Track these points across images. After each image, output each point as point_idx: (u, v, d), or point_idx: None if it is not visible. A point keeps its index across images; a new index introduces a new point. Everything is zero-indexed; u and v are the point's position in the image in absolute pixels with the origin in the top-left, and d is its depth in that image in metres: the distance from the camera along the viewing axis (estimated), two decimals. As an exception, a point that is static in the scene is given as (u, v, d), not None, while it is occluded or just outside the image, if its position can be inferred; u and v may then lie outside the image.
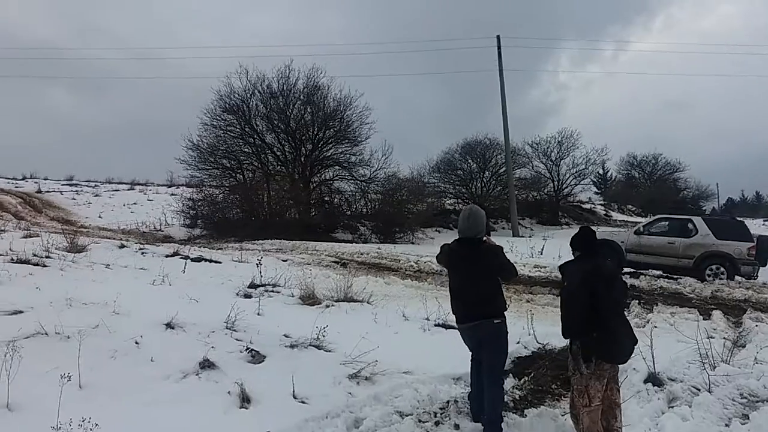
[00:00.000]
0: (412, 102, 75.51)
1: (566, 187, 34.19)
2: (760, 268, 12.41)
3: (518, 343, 6.44)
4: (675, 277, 12.75)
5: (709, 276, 12.52)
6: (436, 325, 7.24)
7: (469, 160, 32.10)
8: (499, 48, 25.78)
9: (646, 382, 5.12)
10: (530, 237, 22.15)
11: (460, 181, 32.27)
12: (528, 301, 9.96)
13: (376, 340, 5.64)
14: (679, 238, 13.23)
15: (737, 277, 12.28)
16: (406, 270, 13.52)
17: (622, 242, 13.69)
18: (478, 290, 4.13)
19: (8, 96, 78.81)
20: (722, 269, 12.53)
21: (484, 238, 4.23)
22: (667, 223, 14.21)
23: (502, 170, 30.23)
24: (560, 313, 3.97)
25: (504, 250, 4.30)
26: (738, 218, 15.39)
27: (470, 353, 4.50)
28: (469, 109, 78.38)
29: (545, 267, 14.03)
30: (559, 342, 6.38)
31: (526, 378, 5.63)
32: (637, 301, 9.78)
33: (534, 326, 6.67)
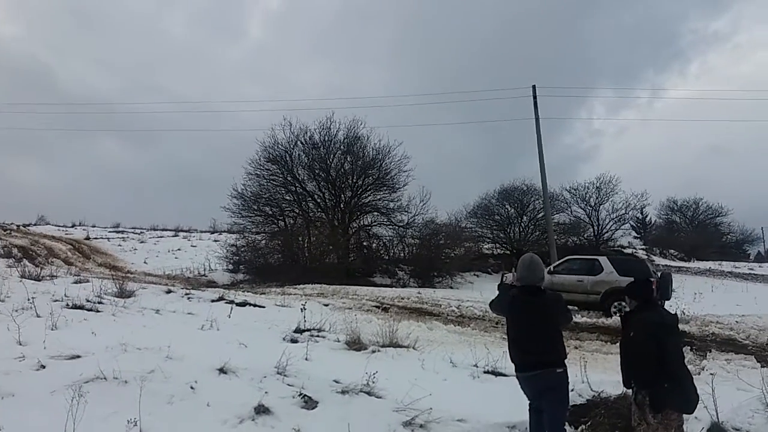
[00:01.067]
0: (450, 150, 76.22)
1: (606, 232, 33.63)
2: (665, 301, 12.23)
3: (572, 390, 6.24)
4: (726, 323, 12.33)
5: (613, 311, 13.28)
6: (485, 372, 7.10)
7: (507, 206, 32.00)
8: (534, 97, 25.92)
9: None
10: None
11: (498, 226, 32.10)
12: (576, 348, 9.73)
13: (427, 387, 5.57)
14: (587, 276, 14.27)
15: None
16: (448, 315, 13.38)
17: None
18: (540, 338, 4.08)
19: (62, 148, 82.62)
20: (624, 305, 12.30)
21: (542, 286, 4.22)
22: (576, 262, 15.31)
23: (540, 215, 29.99)
24: (621, 363, 3.93)
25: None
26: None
27: (527, 401, 4.41)
28: (505, 156, 78.57)
29: (591, 313, 13.72)
30: (614, 390, 6.18)
31: (583, 427, 5.45)
32: (689, 348, 9.44)
33: (587, 373, 6.49)
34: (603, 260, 14.64)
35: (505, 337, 10.38)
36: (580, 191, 33.48)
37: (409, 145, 50.01)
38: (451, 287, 22.77)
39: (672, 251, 44.66)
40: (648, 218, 51.01)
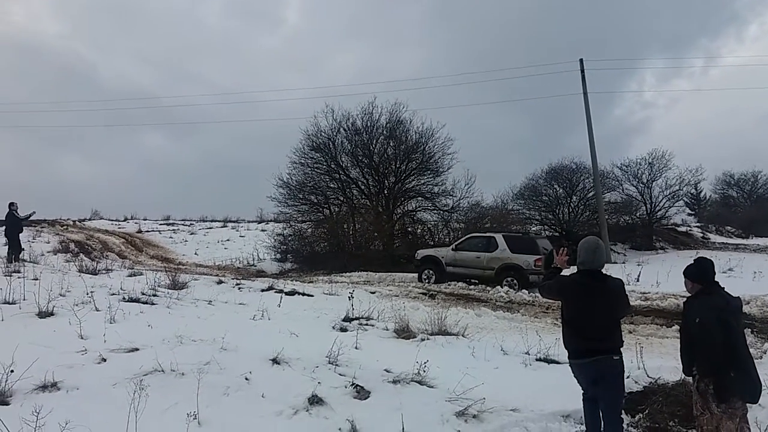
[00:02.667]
0: (493, 130, 74.93)
1: (659, 210, 32.47)
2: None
3: (628, 377, 6.09)
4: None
5: (505, 284, 14.63)
6: (537, 360, 7.00)
7: (555, 186, 31.22)
8: (582, 71, 25.16)
9: (775, 419, 4.70)
10: (624, 263, 21.07)
11: (546, 207, 31.38)
12: (630, 332, 9.44)
13: (478, 376, 5.53)
14: (484, 253, 15.62)
15: None
16: (496, 301, 13.22)
17: (443, 257, 16.20)
18: (600, 324, 3.97)
19: (111, 144, 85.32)
20: (515, 279, 14.71)
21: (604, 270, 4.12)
22: (476, 240, 16.45)
23: (591, 194, 29.19)
24: (681, 350, 3.78)
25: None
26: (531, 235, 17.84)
27: (581, 390, 4.30)
28: (551, 134, 76.71)
29: (646, 294, 13.33)
30: (672, 376, 6.02)
31: (641, 415, 5.33)
32: (750, 330, 9.05)
33: (643, 359, 6.30)
34: (498, 238, 15.69)
35: (557, 322, 10.24)
36: (632, 168, 32.25)
37: (452, 127, 49.58)
38: (499, 272, 22.48)
39: (729, 228, 42.97)
40: (703, 194, 49.23)
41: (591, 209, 29.59)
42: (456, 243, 16.91)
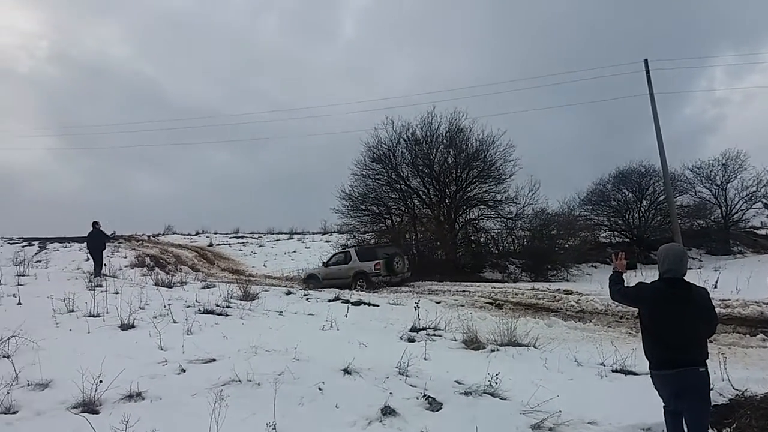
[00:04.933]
0: (556, 135, 73.25)
1: (735, 213, 30.80)
2: (406, 274, 19.31)
3: (712, 389, 5.80)
4: None
5: (357, 286, 18.00)
6: (614, 371, 6.74)
7: (624, 190, 30.21)
8: (647, 72, 24.27)
9: None
10: (700, 269, 20.04)
11: (615, 213, 30.39)
12: (711, 342, 8.96)
13: (552, 388, 5.39)
14: (344, 265, 19.17)
15: None
16: (566, 310, 12.85)
17: (319, 273, 19.87)
18: (687, 335, 3.81)
19: (181, 160, 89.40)
20: (363, 281, 18.27)
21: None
22: (339, 255, 20.32)
23: (662, 198, 28.06)
24: None
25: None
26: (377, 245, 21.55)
27: (662, 402, 4.12)
28: (618, 137, 73.98)
29: (726, 301, 12.63)
30: (760, 388, 5.72)
31: (728, 429, 5.06)
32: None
33: (727, 370, 5.99)
34: (352, 251, 19.61)
35: (632, 332, 9.91)
36: (704, 169, 30.80)
37: (513, 133, 48.91)
38: (567, 280, 21.84)
39: (816, 229, 40.13)
40: (781, 194, 46.24)
41: (662, 213, 28.49)
42: (325, 261, 20.80)
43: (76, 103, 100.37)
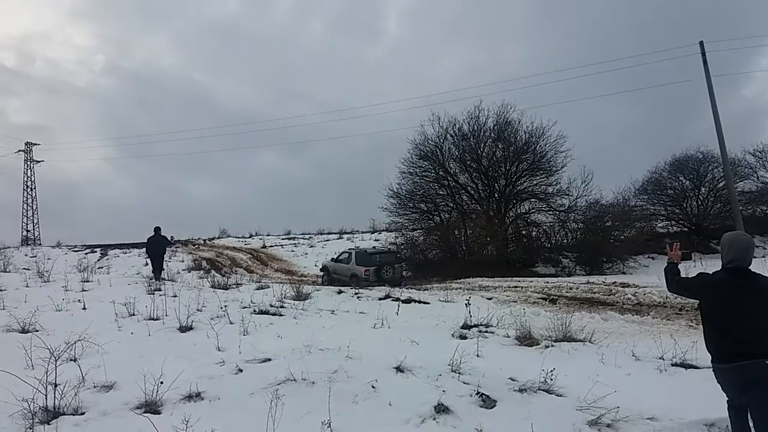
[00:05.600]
0: (608, 124, 71.25)
1: (802, 198, 29.23)
2: (398, 280, 19.54)
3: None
4: None
5: (351, 287, 17.49)
6: (673, 365, 6.52)
7: (681, 178, 29.08)
8: (703, 54, 23.28)
9: None
10: (764, 257, 19.17)
11: (672, 202, 29.29)
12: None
13: (609, 383, 5.25)
14: (346, 264, 20.47)
15: None
16: (623, 304, 12.52)
17: (330, 267, 21.53)
18: (752, 326, 3.64)
19: (233, 165, 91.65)
20: (355, 282, 18.72)
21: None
22: (344, 254, 21.47)
23: (721, 185, 26.89)
24: None
25: None
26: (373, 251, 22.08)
27: (726, 397, 3.96)
28: (672, 123, 71.20)
29: None
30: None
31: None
32: None
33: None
34: (352, 254, 20.67)
35: (692, 324, 9.56)
36: (767, 153, 29.46)
37: (564, 124, 47.82)
38: (624, 273, 21.19)
39: None
40: None
41: (723, 201, 27.31)
42: (334, 258, 22.36)
43: (132, 113, 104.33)
